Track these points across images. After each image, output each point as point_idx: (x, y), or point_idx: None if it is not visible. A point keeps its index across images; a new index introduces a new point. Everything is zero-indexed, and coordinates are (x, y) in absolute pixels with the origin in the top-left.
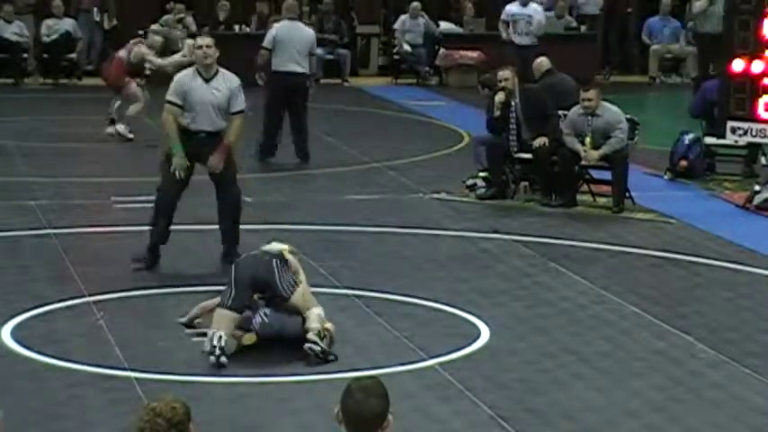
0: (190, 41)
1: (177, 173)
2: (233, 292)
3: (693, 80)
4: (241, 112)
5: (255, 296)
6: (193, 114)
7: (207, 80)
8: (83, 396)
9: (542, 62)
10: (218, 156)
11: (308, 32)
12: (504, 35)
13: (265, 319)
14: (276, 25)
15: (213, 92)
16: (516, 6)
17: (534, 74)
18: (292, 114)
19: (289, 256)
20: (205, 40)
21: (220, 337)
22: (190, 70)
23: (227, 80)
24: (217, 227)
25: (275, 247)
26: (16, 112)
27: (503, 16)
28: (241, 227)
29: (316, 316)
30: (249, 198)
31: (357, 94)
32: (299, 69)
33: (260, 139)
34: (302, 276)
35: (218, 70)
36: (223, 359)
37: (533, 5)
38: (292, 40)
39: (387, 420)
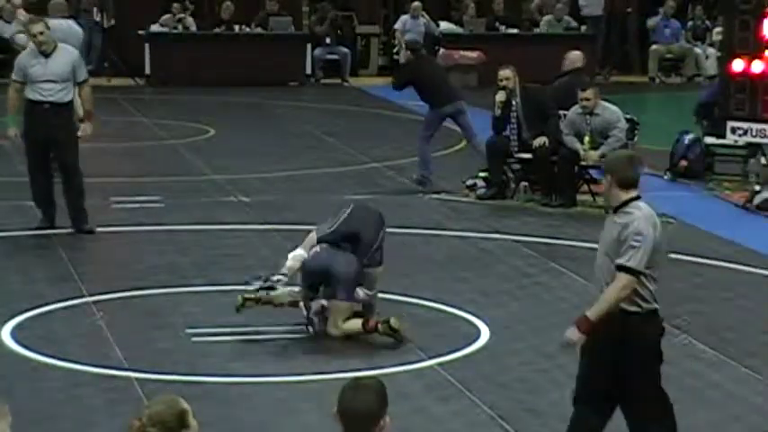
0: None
1: (13, 140)
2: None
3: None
4: (87, 80)
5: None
6: (38, 87)
7: (47, 55)
8: (83, 396)
9: (578, 56)
10: (89, 124)
11: (79, 31)
12: None
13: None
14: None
15: (54, 65)
16: None
17: (564, 65)
18: None
19: None
20: (38, 28)
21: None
22: (30, 50)
23: (67, 53)
24: (217, 227)
25: None
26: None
27: None
28: (242, 227)
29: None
30: (248, 198)
31: (357, 94)
32: None
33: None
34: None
35: (56, 46)
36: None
37: None
38: (68, 40)
39: (383, 421)
